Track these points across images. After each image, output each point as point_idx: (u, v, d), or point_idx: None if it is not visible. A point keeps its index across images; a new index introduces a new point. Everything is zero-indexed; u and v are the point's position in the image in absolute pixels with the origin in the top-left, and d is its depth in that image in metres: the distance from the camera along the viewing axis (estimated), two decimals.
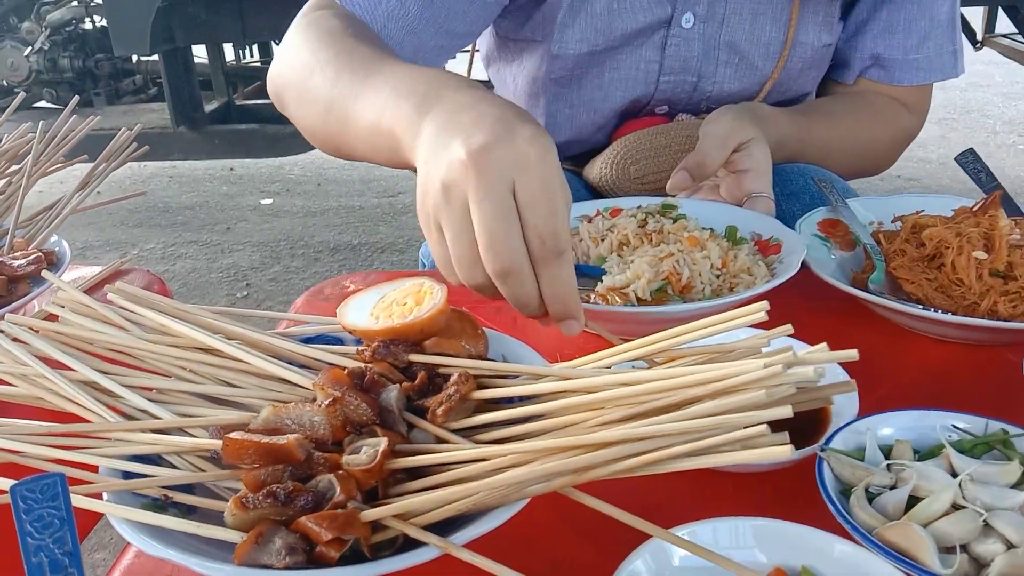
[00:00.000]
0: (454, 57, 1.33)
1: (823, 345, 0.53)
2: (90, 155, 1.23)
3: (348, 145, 0.95)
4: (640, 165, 1.30)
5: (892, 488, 0.62)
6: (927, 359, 0.87)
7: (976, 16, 4.60)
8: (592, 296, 0.90)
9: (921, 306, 0.84)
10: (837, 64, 1.34)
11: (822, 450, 0.64)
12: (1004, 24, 4.39)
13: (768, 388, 0.49)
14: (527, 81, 1.34)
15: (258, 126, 4.20)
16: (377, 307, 0.74)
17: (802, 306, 0.96)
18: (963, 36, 1.34)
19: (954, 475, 0.62)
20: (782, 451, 0.46)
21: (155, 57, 4.03)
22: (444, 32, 1.15)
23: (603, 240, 1.01)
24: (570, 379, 0.62)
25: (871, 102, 1.31)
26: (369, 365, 0.68)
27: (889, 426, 0.68)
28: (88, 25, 4.43)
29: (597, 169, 1.33)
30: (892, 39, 1.26)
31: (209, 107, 4.27)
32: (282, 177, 5.04)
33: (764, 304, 0.58)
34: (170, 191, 5.07)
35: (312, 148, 4.33)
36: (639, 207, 1.03)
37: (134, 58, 4.55)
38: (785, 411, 0.47)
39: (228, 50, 4.75)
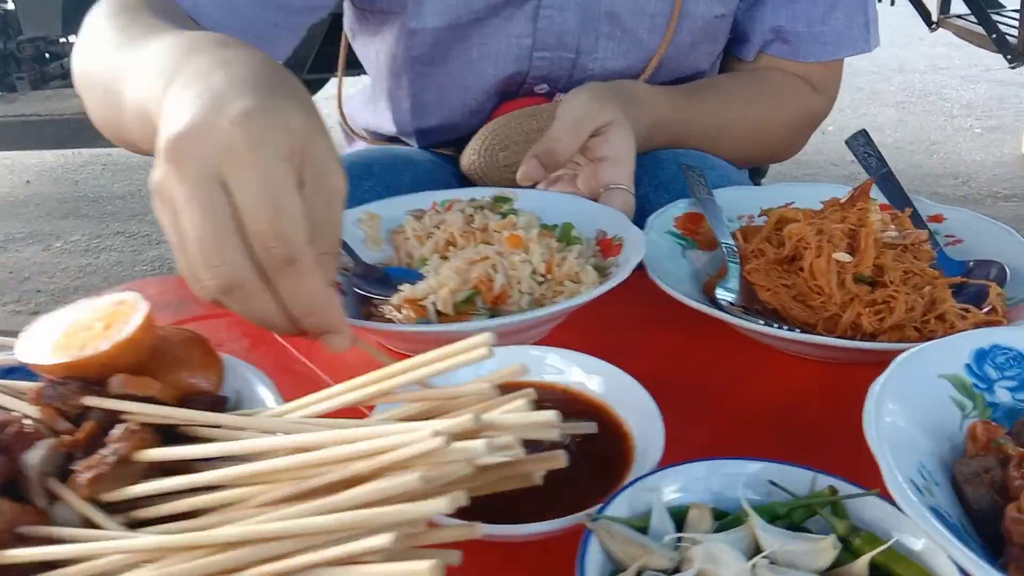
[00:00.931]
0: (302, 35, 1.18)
1: (521, 402, 0.38)
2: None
3: (129, 136, 0.80)
4: (510, 151, 1.15)
5: (675, 572, 0.47)
6: (784, 382, 0.73)
7: None
8: (387, 309, 0.75)
9: (763, 321, 0.70)
10: (736, 39, 1.19)
11: (594, 519, 0.50)
12: (959, 5, 4.28)
13: (426, 469, 0.34)
14: (387, 58, 1.19)
15: None
16: (68, 332, 0.58)
17: (645, 316, 0.83)
18: (876, 6, 1.19)
19: (759, 551, 0.48)
20: (425, 569, 0.31)
21: None
22: (276, 7, 1.00)
23: (429, 238, 0.86)
24: (266, 435, 0.47)
25: (771, 80, 1.17)
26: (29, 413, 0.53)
27: (690, 481, 0.53)
28: (10, 5, 4.21)
29: (466, 157, 1.18)
30: (795, 9, 1.11)
31: None
32: None
33: (487, 338, 0.43)
34: (102, 180, 4.88)
35: None
36: (471, 200, 0.88)
37: (63, 40, 4.34)
38: (439, 505, 0.32)
39: None
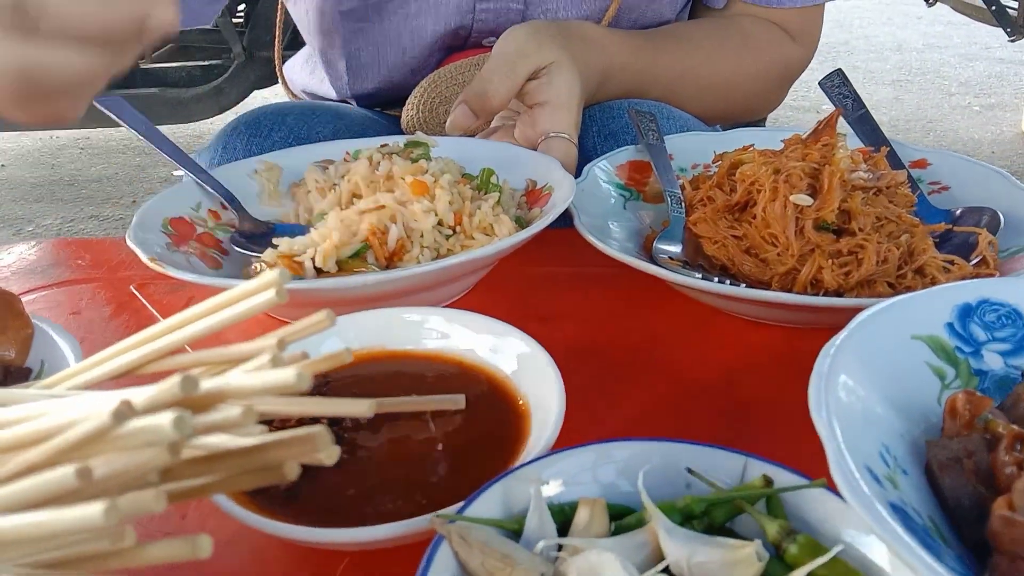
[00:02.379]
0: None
1: (264, 359, 0.26)
2: None
3: None
4: (451, 104, 1.02)
5: None
6: (732, 349, 0.61)
7: None
8: (259, 266, 0.63)
9: (700, 275, 0.58)
10: None
11: (450, 520, 0.38)
12: None
13: (107, 458, 0.22)
14: (317, 15, 1.06)
15: (158, 90, 3.89)
16: None
17: (578, 276, 0.71)
18: None
19: (661, 560, 0.36)
20: None
21: None
22: None
23: (332, 191, 0.74)
24: None
25: (743, 28, 1.04)
26: None
27: (582, 470, 0.41)
28: None
29: (405, 112, 1.05)
30: None
31: None
32: (200, 146, 4.73)
33: (277, 275, 0.31)
34: (79, 163, 4.77)
35: (221, 113, 4.02)
36: (383, 146, 0.76)
37: None
38: (88, 515, 0.20)
39: None
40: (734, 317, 0.63)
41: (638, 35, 0.98)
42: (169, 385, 0.23)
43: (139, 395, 0.24)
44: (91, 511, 0.20)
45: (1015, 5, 3.81)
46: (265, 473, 0.25)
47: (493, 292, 0.70)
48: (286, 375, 0.24)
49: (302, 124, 0.93)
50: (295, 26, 1.19)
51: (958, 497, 0.41)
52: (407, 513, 0.41)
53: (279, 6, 1.20)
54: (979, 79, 5.33)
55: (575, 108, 0.81)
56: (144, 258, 0.61)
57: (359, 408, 0.29)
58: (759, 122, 3.77)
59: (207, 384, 0.24)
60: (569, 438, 0.45)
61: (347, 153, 0.80)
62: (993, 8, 3.83)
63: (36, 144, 4.99)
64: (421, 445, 0.46)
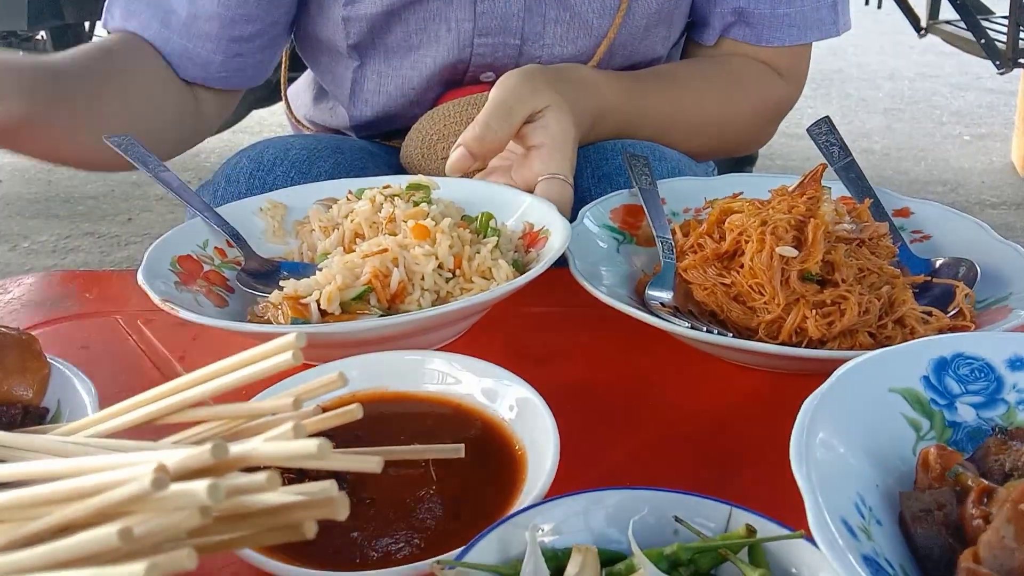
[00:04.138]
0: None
1: (286, 428, 0.28)
2: None
3: None
4: (450, 142, 1.05)
5: None
6: (721, 394, 0.64)
7: (920, 2, 4.43)
8: (266, 306, 0.65)
9: (689, 324, 0.61)
10: (696, 22, 1.10)
11: (450, 566, 0.40)
12: (948, 11, 4.20)
13: (143, 518, 0.24)
14: (324, 47, 1.10)
15: None
16: None
17: (572, 319, 0.73)
18: None
19: None
20: None
21: None
22: (230, 40, 1.00)
23: (336, 230, 0.77)
24: None
25: (730, 66, 1.07)
26: None
27: (576, 517, 0.44)
28: None
29: (404, 148, 1.08)
30: None
31: None
32: (196, 165, 4.73)
33: (292, 339, 0.33)
34: (76, 180, 4.78)
35: (220, 132, 4.06)
36: (385, 187, 0.78)
37: (40, 35, 4.28)
38: (132, 572, 0.22)
39: None
40: (724, 362, 0.66)
41: (630, 76, 1.01)
42: (201, 451, 0.26)
43: (172, 457, 0.27)
44: (135, 570, 0.23)
45: (1004, 38, 3.87)
46: (287, 531, 0.27)
47: (490, 332, 0.72)
48: (308, 447, 0.26)
49: (304, 158, 0.96)
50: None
51: (929, 548, 0.43)
52: (409, 557, 0.43)
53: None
54: (970, 109, 5.39)
55: (569, 150, 0.83)
56: (156, 299, 0.63)
57: (369, 464, 0.31)
58: (750, 155, 3.80)
59: (235, 450, 0.26)
60: (563, 481, 0.47)
61: (350, 192, 0.82)
62: (982, 41, 3.90)
63: (32, 160, 5.01)
64: (422, 490, 0.49)
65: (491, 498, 0.49)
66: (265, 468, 0.28)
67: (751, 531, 0.42)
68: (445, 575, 0.39)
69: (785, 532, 0.42)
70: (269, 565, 0.41)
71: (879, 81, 6.00)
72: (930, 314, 0.62)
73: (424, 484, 0.49)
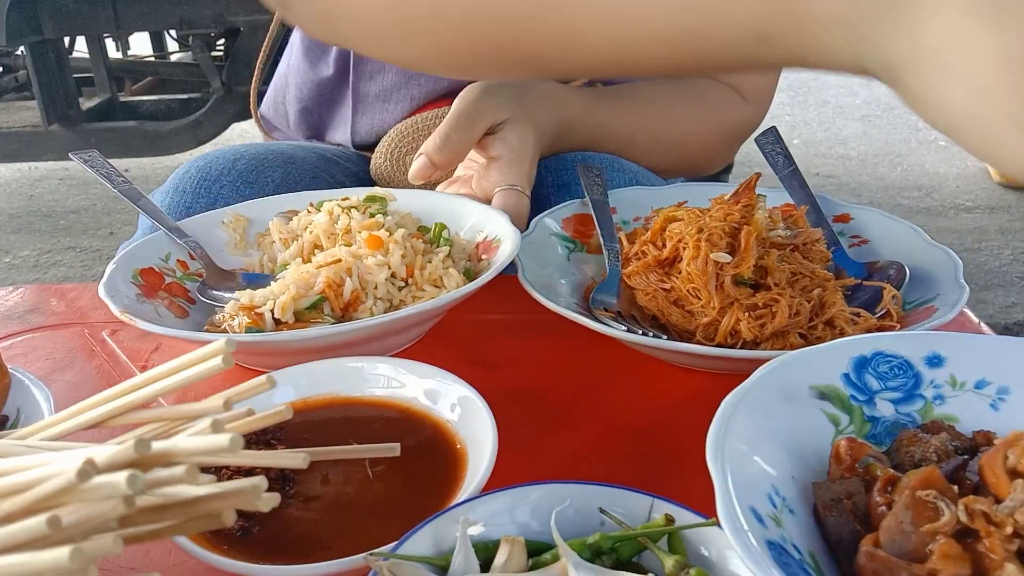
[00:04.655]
0: None
1: (204, 424, 0.31)
2: None
3: None
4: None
5: None
6: (664, 394, 0.66)
7: None
8: (222, 316, 0.68)
9: (625, 327, 0.63)
10: None
11: (385, 558, 0.42)
12: None
13: (72, 508, 0.26)
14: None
15: (137, 124, 3.94)
16: None
17: (523, 324, 0.76)
18: None
19: None
20: None
21: None
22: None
23: (295, 242, 0.79)
24: None
25: (696, 88, 1.10)
26: None
27: (506, 511, 0.46)
28: None
29: (374, 160, 1.11)
30: None
31: (89, 104, 4.02)
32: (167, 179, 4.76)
33: (222, 345, 0.36)
34: (58, 194, 4.79)
35: (199, 146, 4.05)
36: (344, 199, 0.81)
37: (19, 51, 4.27)
38: (57, 557, 0.25)
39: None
40: (665, 364, 0.68)
41: (595, 92, 1.03)
42: (125, 447, 0.28)
43: (101, 454, 0.29)
44: (60, 554, 0.25)
45: None
46: (208, 519, 0.30)
47: (444, 339, 0.75)
48: (220, 441, 0.28)
49: (252, 169, 0.98)
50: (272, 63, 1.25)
51: (838, 534, 0.46)
52: (350, 551, 0.45)
53: (262, 46, 1.25)
54: None
55: (528, 162, 0.86)
56: (115, 311, 0.65)
57: (294, 460, 0.34)
58: (724, 170, 3.84)
59: (157, 446, 0.29)
60: (503, 480, 0.50)
61: (311, 204, 0.85)
62: None
63: (14, 175, 5.00)
64: (365, 488, 0.51)
65: (433, 495, 0.51)
66: (243, 467, 0.30)
67: (670, 520, 0.45)
68: (379, 566, 0.41)
69: (701, 520, 0.45)
70: (212, 559, 0.44)
71: (856, 88, 6.06)
72: (859, 315, 0.65)
73: (369, 483, 0.51)
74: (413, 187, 1.03)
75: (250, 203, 0.87)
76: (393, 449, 0.44)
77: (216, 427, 0.30)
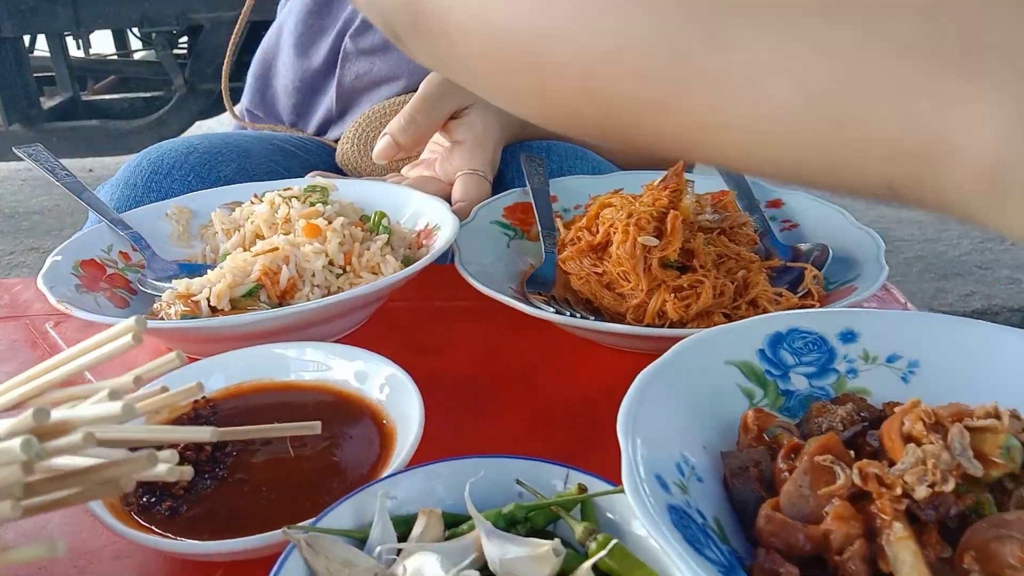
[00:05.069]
0: None
1: (102, 393, 0.32)
2: None
3: None
4: None
5: None
6: (594, 374, 0.68)
7: None
8: (159, 305, 0.68)
9: (554, 309, 0.65)
10: None
11: (305, 532, 0.43)
12: None
13: None
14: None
15: (100, 123, 3.91)
16: None
17: (462, 311, 0.77)
18: None
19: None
20: None
21: None
22: None
23: (237, 232, 0.80)
24: None
25: None
26: None
27: (426, 484, 0.47)
28: None
29: (340, 147, 1.12)
30: None
31: (51, 103, 3.98)
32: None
33: (132, 323, 0.37)
34: (21, 195, 4.73)
35: (164, 139, 4.05)
36: (286, 189, 0.82)
37: None
38: None
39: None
40: (596, 345, 0.70)
41: None
42: (24, 416, 0.29)
43: (3, 425, 0.30)
44: None
45: None
46: (108, 486, 0.31)
47: (386, 325, 0.76)
48: (113, 408, 0.29)
49: (204, 163, 0.98)
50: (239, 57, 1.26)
51: (744, 501, 0.47)
52: (276, 527, 0.46)
53: (228, 43, 1.25)
54: None
55: (491, 148, 0.88)
56: (53, 300, 0.66)
57: (202, 435, 0.35)
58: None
59: (56, 415, 0.30)
60: (433, 457, 0.51)
61: (255, 195, 0.86)
62: None
63: None
64: (295, 468, 0.52)
65: (361, 473, 0.52)
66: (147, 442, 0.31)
67: (582, 489, 0.47)
68: (296, 539, 0.43)
69: (610, 488, 0.46)
70: (138, 537, 0.45)
71: None
72: (781, 295, 0.67)
73: (299, 464, 0.53)
74: (379, 172, 1.05)
75: (194, 195, 0.87)
76: (314, 427, 0.46)
77: (112, 396, 0.31)
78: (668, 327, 0.66)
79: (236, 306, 0.67)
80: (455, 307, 0.79)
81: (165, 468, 0.32)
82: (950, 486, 0.42)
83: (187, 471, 0.36)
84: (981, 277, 3.43)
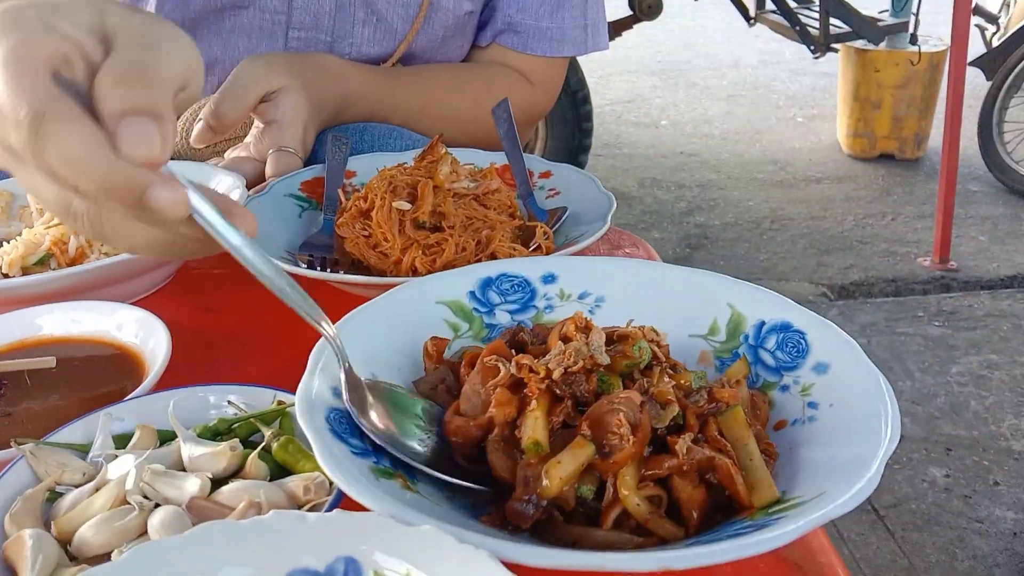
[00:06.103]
0: None
1: None
2: None
3: None
4: None
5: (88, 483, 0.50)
6: None
7: None
8: None
9: (305, 265, 0.74)
10: (478, 28, 1.24)
11: (36, 444, 0.51)
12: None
13: None
14: None
15: None
16: None
17: (245, 276, 0.85)
18: (603, 12, 1.24)
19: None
20: None
21: None
22: None
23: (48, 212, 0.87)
24: None
25: (484, 73, 1.21)
26: None
27: (156, 407, 0.56)
28: None
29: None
30: (526, 2, 1.17)
31: None
32: None
33: None
34: None
35: None
36: None
37: None
38: None
39: None
40: (361, 298, 0.79)
41: (382, 70, 1.13)
42: None
43: None
44: None
45: (817, 25, 4.20)
46: None
47: (183, 290, 0.84)
48: None
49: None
50: None
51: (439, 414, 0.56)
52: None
53: None
54: (805, 92, 5.77)
55: (300, 127, 0.96)
56: None
57: None
58: (585, 144, 3.95)
59: None
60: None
61: None
62: (798, 28, 4.21)
63: None
64: (52, 405, 0.60)
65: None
66: None
67: (280, 404, 0.56)
68: (23, 450, 0.51)
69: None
70: None
71: (724, 69, 6.33)
72: (515, 249, 0.77)
73: (59, 396, 0.60)
74: (204, 157, 1.11)
75: (12, 179, 0.94)
76: (49, 362, 0.53)
77: None
78: None
79: (28, 273, 0.74)
80: (238, 273, 0.87)
81: None
82: (578, 367, 0.51)
83: None
84: (860, 251, 3.62)
